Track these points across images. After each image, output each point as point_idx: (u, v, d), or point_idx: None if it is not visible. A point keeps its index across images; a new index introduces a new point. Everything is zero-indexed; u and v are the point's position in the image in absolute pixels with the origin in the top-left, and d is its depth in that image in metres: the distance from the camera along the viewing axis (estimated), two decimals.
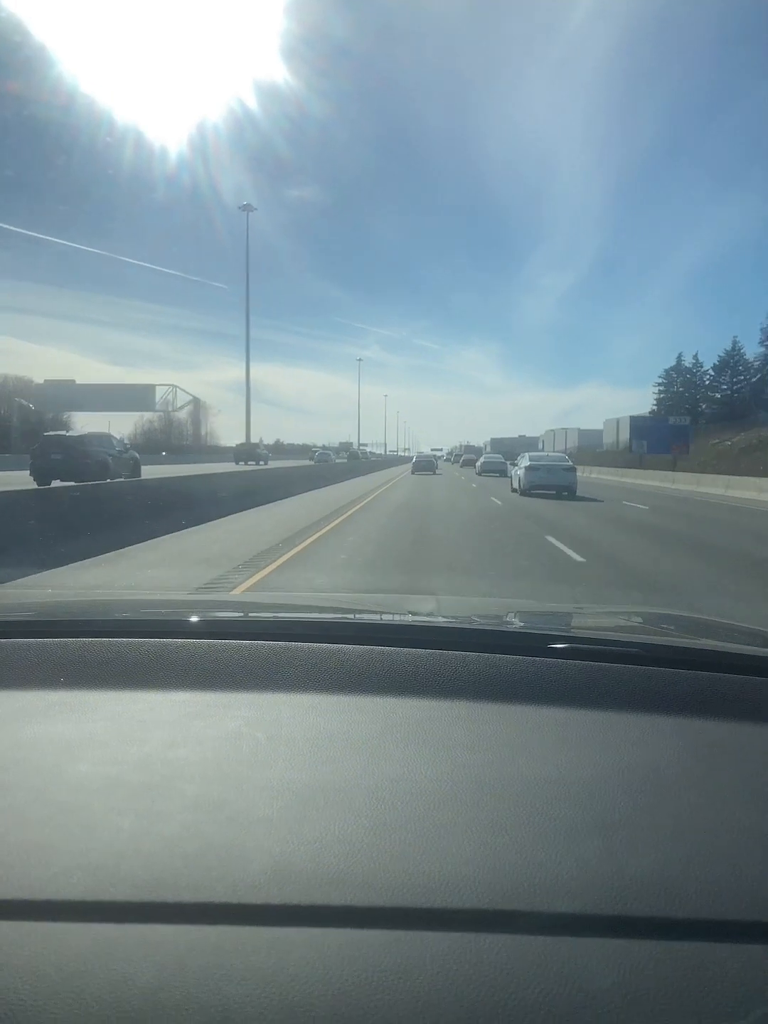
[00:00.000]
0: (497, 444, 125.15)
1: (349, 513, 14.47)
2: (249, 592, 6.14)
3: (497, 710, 0.98)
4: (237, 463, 39.72)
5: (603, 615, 1.98)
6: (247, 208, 49.80)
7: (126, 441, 25.73)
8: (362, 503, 17.40)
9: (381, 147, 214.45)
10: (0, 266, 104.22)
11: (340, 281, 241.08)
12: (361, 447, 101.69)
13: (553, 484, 20.76)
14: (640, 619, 1.88)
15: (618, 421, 75.57)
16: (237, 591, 6.35)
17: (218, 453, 64.47)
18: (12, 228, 73.15)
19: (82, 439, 20.70)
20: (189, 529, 10.91)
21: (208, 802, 0.75)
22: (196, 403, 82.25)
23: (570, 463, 22.00)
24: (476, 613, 1.77)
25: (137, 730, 0.91)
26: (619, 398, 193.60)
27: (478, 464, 44.71)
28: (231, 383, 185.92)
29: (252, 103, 66.82)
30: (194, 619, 1.25)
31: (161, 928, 0.59)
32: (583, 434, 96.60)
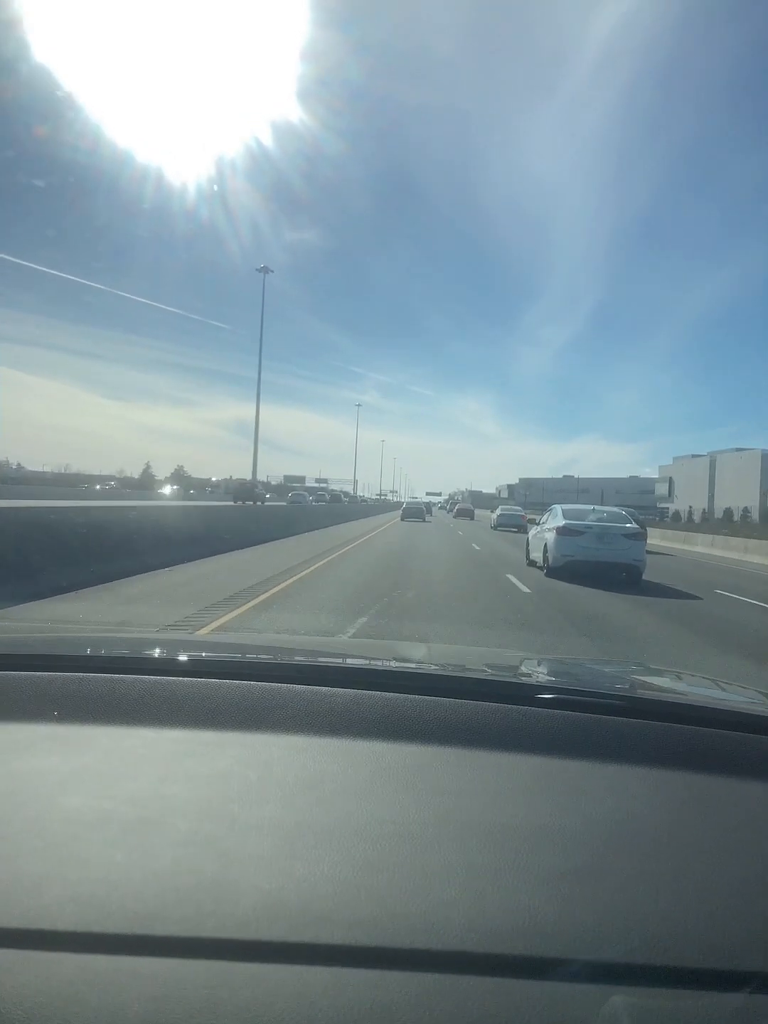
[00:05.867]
0: (528, 486, 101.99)
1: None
2: (244, 633, 5.93)
3: (485, 758, 0.99)
4: (235, 502, 36.20)
5: (591, 667, 1.99)
6: (264, 270, 44.99)
7: None
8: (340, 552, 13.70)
9: (385, 195, 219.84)
10: (7, 298, 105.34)
11: (340, 325, 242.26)
12: (330, 487, 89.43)
13: (604, 559, 12.42)
14: (629, 672, 1.89)
15: None
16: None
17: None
18: (20, 261, 74.13)
19: None
20: None
21: (199, 838, 0.76)
22: None
23: (635, 526, 13.33)
24: (467, 661, 1.79)
25: (130, 765, 0.93)
26: (615, 453, 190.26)
27: (494, 516, 38.04)
28: (228, 422, 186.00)
29: (260, 148, 67.62)
30: (190, 658, 1.26)
31: (152, 961, 0.61)
32: None
